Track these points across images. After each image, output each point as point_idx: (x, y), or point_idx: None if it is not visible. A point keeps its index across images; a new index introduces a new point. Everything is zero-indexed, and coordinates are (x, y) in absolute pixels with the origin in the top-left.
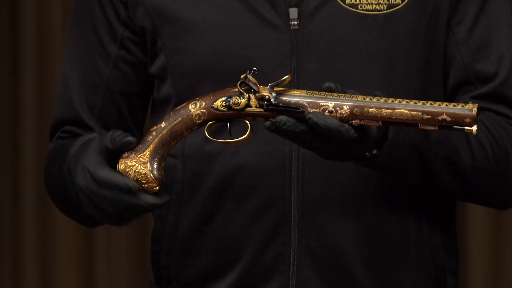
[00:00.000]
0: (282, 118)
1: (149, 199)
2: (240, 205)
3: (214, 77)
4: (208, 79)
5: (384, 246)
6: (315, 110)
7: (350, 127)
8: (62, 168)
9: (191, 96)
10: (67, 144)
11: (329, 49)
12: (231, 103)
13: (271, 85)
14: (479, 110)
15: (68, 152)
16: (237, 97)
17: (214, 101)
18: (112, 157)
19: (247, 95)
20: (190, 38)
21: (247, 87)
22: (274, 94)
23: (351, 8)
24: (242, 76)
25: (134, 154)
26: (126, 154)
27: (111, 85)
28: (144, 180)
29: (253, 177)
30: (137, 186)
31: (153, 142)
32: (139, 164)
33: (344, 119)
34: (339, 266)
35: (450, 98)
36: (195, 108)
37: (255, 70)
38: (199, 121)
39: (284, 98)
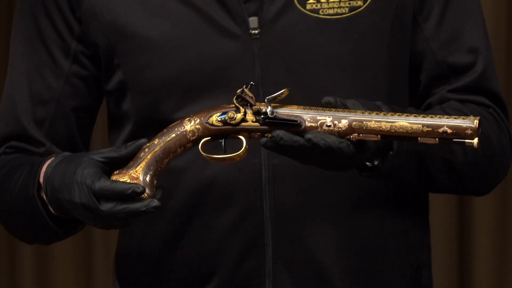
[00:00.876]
0: (279, 132)
1: (153, 202)
2: (212, 219)
3: (176, 93)
4: (170, 95)
5: (361, 252)
6: (312, 124)
7: (350, 143)
8: (26, 188)
9: (153, 112)
10: (19, 161)
11: (293, 57)
12: (226, 117)
13: (267, 99)
14: (480, 122)
15: (33, 172)
16: (233, 112)
17: (209, 117)
18: (107, 171)
19: (243, 109)
20: (148, 54)
21: (244, 101)
22: (270, 108)
23: (312, 14)
24: (239, 90)
25: (126, 170)
26: (118, 171)
27: (62, 101)
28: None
29: (224, 191)
30: (142, 187)
31: (146, 159)
32: (130, 180)
33: (342, 133)
34: (317, 277)
35: (423, 93)
36: (189, 124)
37: (252, 84)
38: (193, 138)
39: (280, 111)
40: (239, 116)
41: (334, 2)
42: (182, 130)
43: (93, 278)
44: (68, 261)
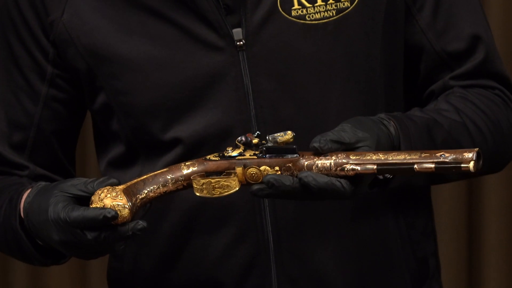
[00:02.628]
0: (269, 178)
1: (137, 225)
2: (210, 239)
3: (163, 113)
4: (157, 116)
5: (365, 261)
6: (309, 155)
7: (346, 181)
8: (9, 219)
9: (142, 133)
10: (1, 184)
11: (282, 66)
12: (224, 151)
13: (269, 136)
14: (479, 153)
15: (14, 204)
16: (231, 147)
17: (206, 156)
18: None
19: (243, 146)
20: (131, 76)
21: (246, 145)
22: (270, 143)
23: (298, 20)
24: (242, 136)
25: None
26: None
27: (42, 125)
28: (114, 202)
29: (221, 210)
30: (113, 212)
31: (134, 180)
32: (112, 189)
33: (339, 161)
34: None
35: (425, 82)
36: (185, 162)
37: (258, 133)
38: (187, 171)
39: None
40: (237, 150)
41: (320, 6)
42: (178, 165)
43: (89, 281)
44: (63, 267)
